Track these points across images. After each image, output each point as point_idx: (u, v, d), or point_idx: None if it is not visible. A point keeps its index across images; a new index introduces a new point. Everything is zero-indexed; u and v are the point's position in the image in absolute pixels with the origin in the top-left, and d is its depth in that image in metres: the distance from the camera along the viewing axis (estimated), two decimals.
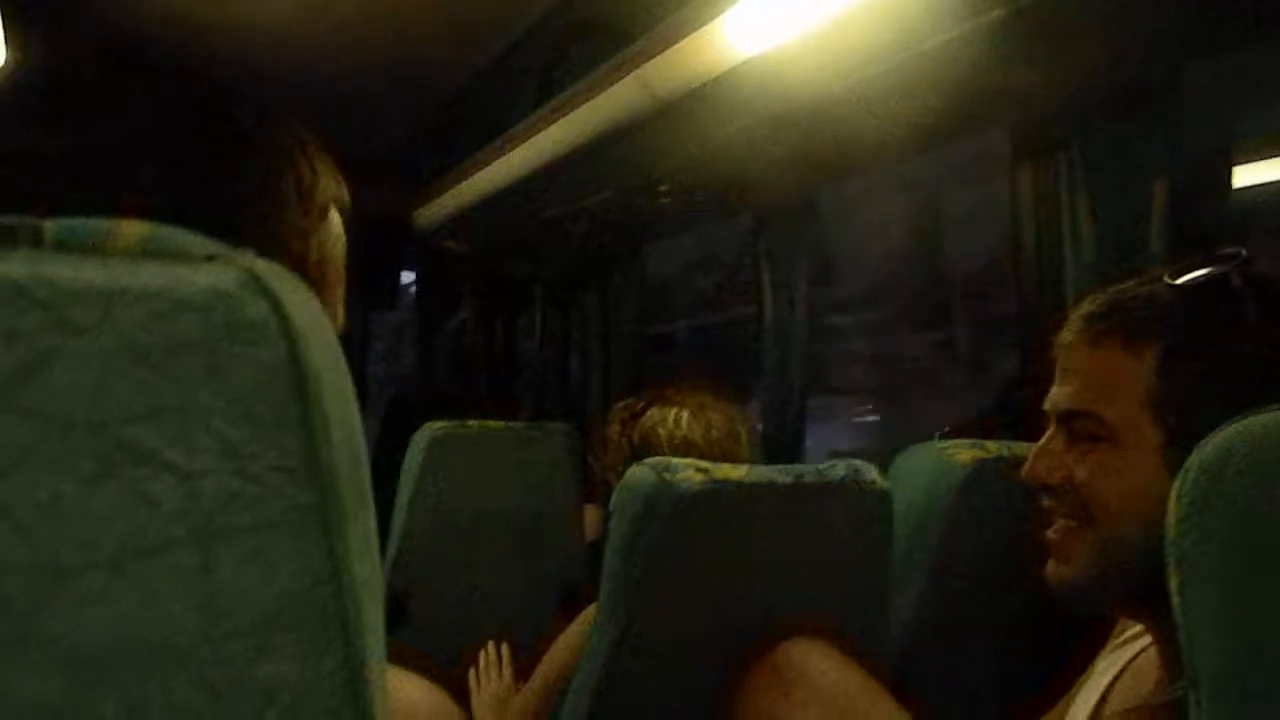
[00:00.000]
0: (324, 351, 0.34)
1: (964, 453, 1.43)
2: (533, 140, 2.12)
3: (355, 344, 3.11)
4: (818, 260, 2.40)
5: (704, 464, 1.20)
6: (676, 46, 1.63)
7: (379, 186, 3.01)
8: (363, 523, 0.36)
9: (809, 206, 2.31)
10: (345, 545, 0.34)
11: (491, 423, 2.01)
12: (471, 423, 1.96)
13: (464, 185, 2.47)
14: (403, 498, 1.91)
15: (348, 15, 2.19)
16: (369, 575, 0.36)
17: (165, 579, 0.32)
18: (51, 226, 0.32)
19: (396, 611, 1.91)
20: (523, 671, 1.68)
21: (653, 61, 1.68)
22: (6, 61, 1.72)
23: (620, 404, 1.64)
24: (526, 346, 3.05)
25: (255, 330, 0.32)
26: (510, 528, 2.01)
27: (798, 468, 1.25)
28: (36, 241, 0.31)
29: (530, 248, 2.70)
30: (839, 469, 1.28)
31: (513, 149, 2.20)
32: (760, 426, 2.11)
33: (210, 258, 0.33)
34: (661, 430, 1.51)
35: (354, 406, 0.37)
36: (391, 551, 1.92)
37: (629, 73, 1.75)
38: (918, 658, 1.42)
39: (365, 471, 0.37)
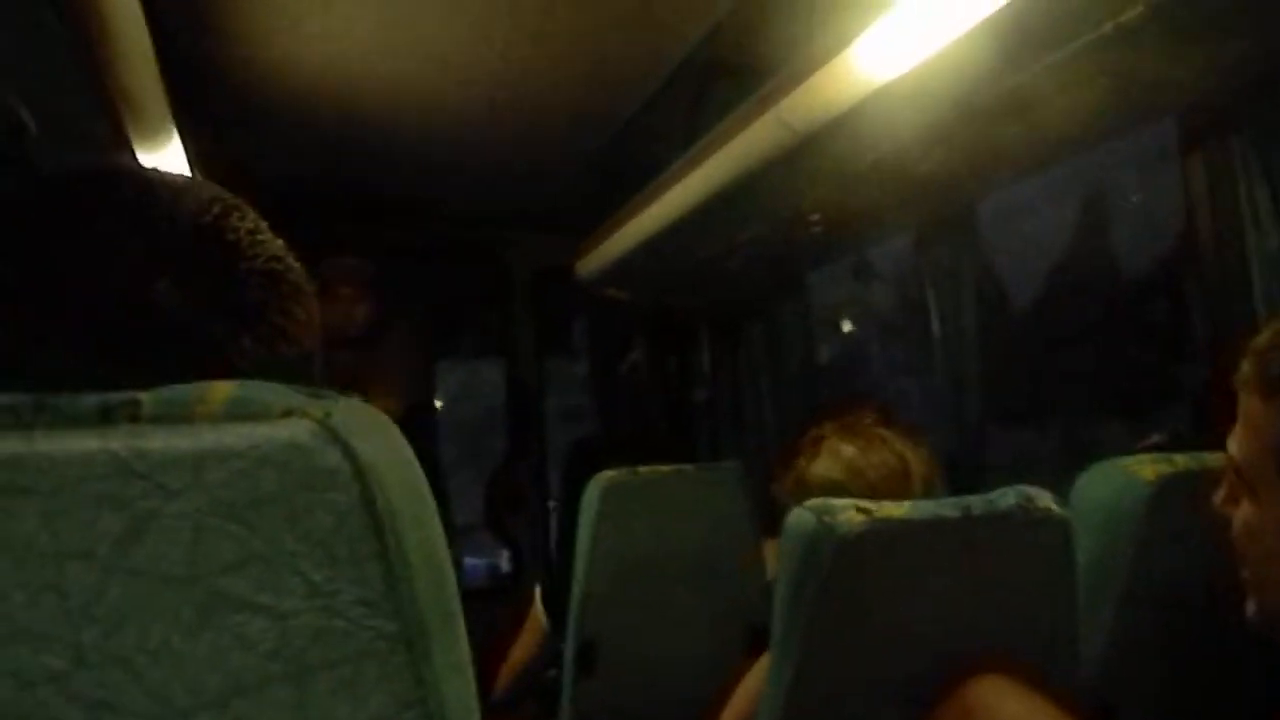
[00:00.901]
0: (398, 485, 0.37)
1: (1149, 467, 1.35)
2: (682, 184, 2.15)
3: (531, 393, 3.20)
4: (986, 274, 2.32)
5: (865, 503, 1.18)
6: (809, 81, 1.62)
7: (543, 240, 3.12)
8: (451, 643, 0.38)
9: (969, 219, 2.25)
10: (432, 668, 0.37)
11: (662, 467, 2.03)
12: (641, 469, 1.99)
13: (622, 233, 2.52)
14: (581, 548, 1.96)
15: (501, 80, 2.27)
16: (460, 692, 0.38)
17: (265, 714, 0.34)
18: (148, 399, 0.35)
19: (584, 659, 1.95)
20: (711, 714, 1.68)
21: (788, 97, 1.68)
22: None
23: (793, 439, 1.63)
24: (699, 385, 3.07)
25: (329, 477, 0.35)
26: (690, 571, 2.03)
27: (965, 500, 1.21)
28: (134, 416, 0.35)
29: (692, 287, 2.73)
30: (1009, 497, 1.23)
31: (664, 194, 2.24)
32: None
33: (287, 413, 0.36)
34: (834, 470, 1.49)
35: (435, 531, 0.39)
36: (575, 602, 1.97)
37: (766, 110, 1.75)
38: (1119, 690, 1.35)
39: (451, 591, 0.39)
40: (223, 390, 0.36)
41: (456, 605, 0.39)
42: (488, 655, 2.41)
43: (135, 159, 1.58)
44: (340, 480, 0.35)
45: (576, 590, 1.97)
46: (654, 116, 2.42)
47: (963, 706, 1.15)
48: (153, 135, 1.57)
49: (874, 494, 1.38)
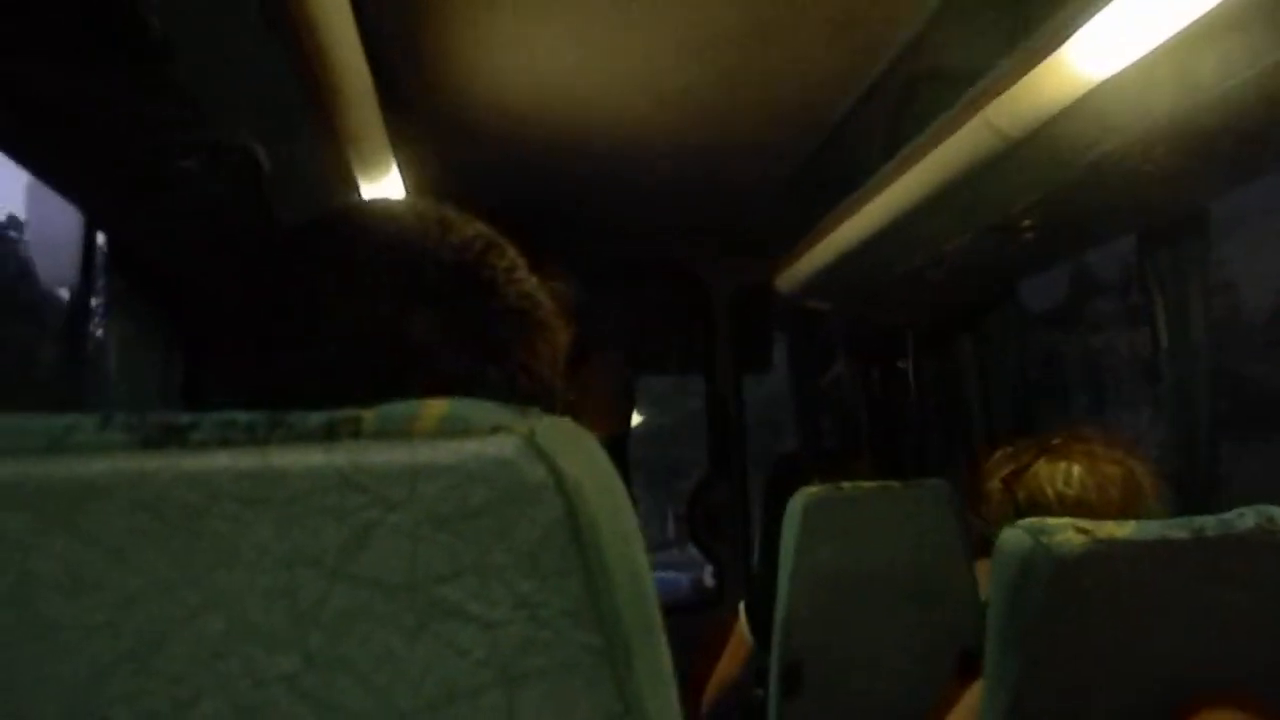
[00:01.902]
0: (600, 499, 0.38)
1: None
2: (885, 194, 2.11)
3: (731, 410, 3.21)
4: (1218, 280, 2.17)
5: (1084, 523, 1.13)
6: (1019, 83, 1.57)
7: (743, 255, 3.12)
8: (653, 657, 0.39)
9: (1201, 221, 2.10)
10: (635, 682, 0.37)
11: (866, 484, 1.99)
12: (845, 485, 1.96)
13: (823, 244, 2.50)
14: (784, 566, 1.94)
15: (702, 98, 2.30)
16: (663, 707, 0.39)
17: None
18: (369, 416, 0.38)
19: (789, 679, 1.94)
20: None
21: (996, 100, 1.62)
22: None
23: (999, 454, 1.57)
24: (903, 399, 3.00)
25: (535, 492, 0.36)
26: (897, 590, 1.98)
27: (1196, 521, 1.14)
28: (355, 433, 0.37)
29: (896, 299, 2.67)
30: (1248, 518, 1.15)
31: (866, 204, 2.20)
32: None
33: (495, 429, 0.37)
34: (1050, 489, 1.43)
35: (636, 545, 0.40)
36: (779, 621, 1.95)
37: (973, 115, 1.70)
38: None
39: (652, 605, 0.40)
40: (437, 407, 0.38)
41: (658, 619, 0.40)
42: (693, 672, 2.43)
43: (358, 192, 1.69)
44: (545, 495, 0.36)
45: (781, 609, 1.96)
46: (856, 126, 2.39)
47: None
48: (374, 168, 1.67)
49: (1103, 514, 1.32)
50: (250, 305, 0.59)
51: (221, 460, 0.36)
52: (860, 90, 2.29)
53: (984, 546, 1.94)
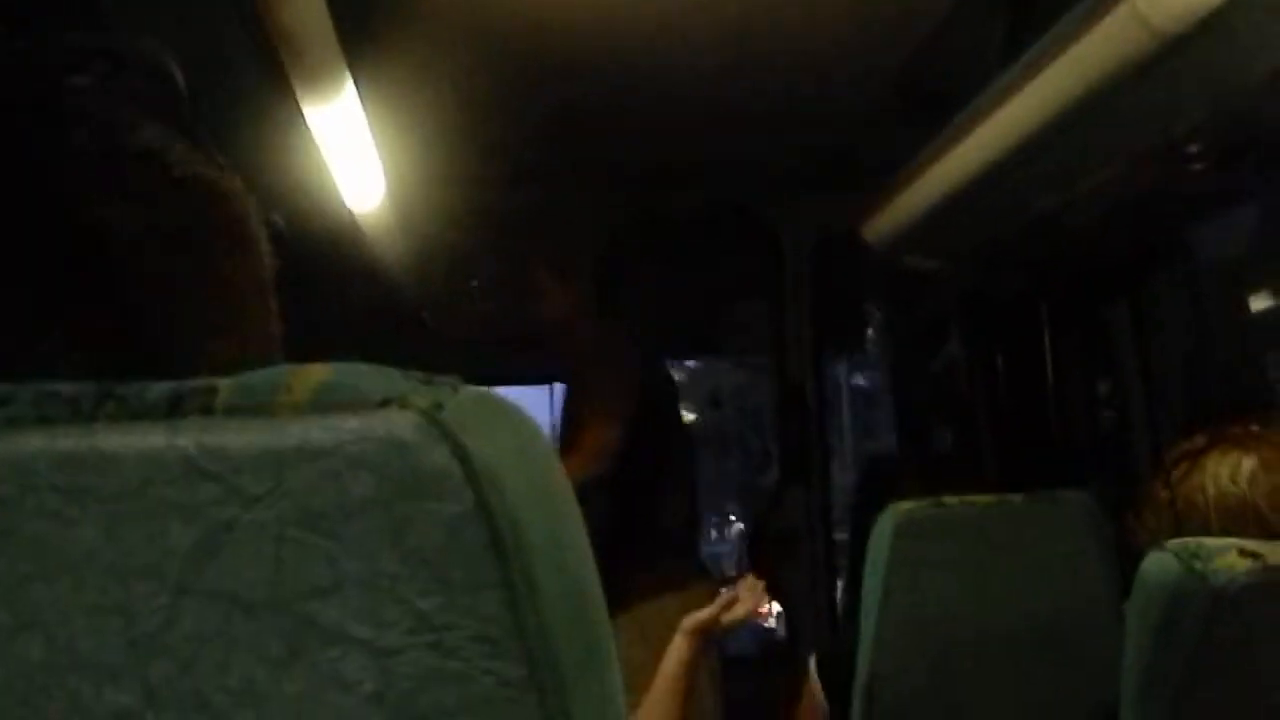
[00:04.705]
0: (528, 494, 0.39)
1: None
2: (1002, 113, 2.10)
3: (808, 402, 3.21)
4: None
5: (1253, 544, 1.12)
6: None
7: (823, 201, 3.11)
8: (594, 691, 0.40)
9: None
10: None
11: (979, 497, 1.98)
12: (950, 499, 1.95)
13: (925, 180, 2.48)
14: (868, 606, 1.94)
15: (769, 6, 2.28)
16: None
17: None
18: (225, 387, 0.39)
19: None
20: None
21: None
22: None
23: (1175, 450, 1.57)
24: (1036, 388, 2.99)
25: (436, 481, 0.37)
26: (1020, 636, 1.97)
27: None
28: (206, 408, 0.38)
29: (1024, 253, 2.65)
30: None
31: (979, 127, 2.19)
32: None
33: (385, 402, 0.38)
34: (1211, 488, 1.43)
35: (578, 555, 0.41)
36: (861, 677, 1.95)
37: (1116, 5, 1.69)
38: None
39: (600, 632, 0.41)
40: (312, 375, 0.39)
41: (607, 647, 0.41)
42: None
43: (301, 114, 1.71)
44: (451, 485, 0.37)
45: (863, 665, 1.95)
46: (963, 26, 2.37)
47: None
48: (322, 86, 1.69)
49: (1275, 525, 1.32)
50: None
51: (36, 442, 0.38)
52: None
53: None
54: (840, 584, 3.07)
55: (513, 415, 0.41)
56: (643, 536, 2.79)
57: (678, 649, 2.16)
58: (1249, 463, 1.43)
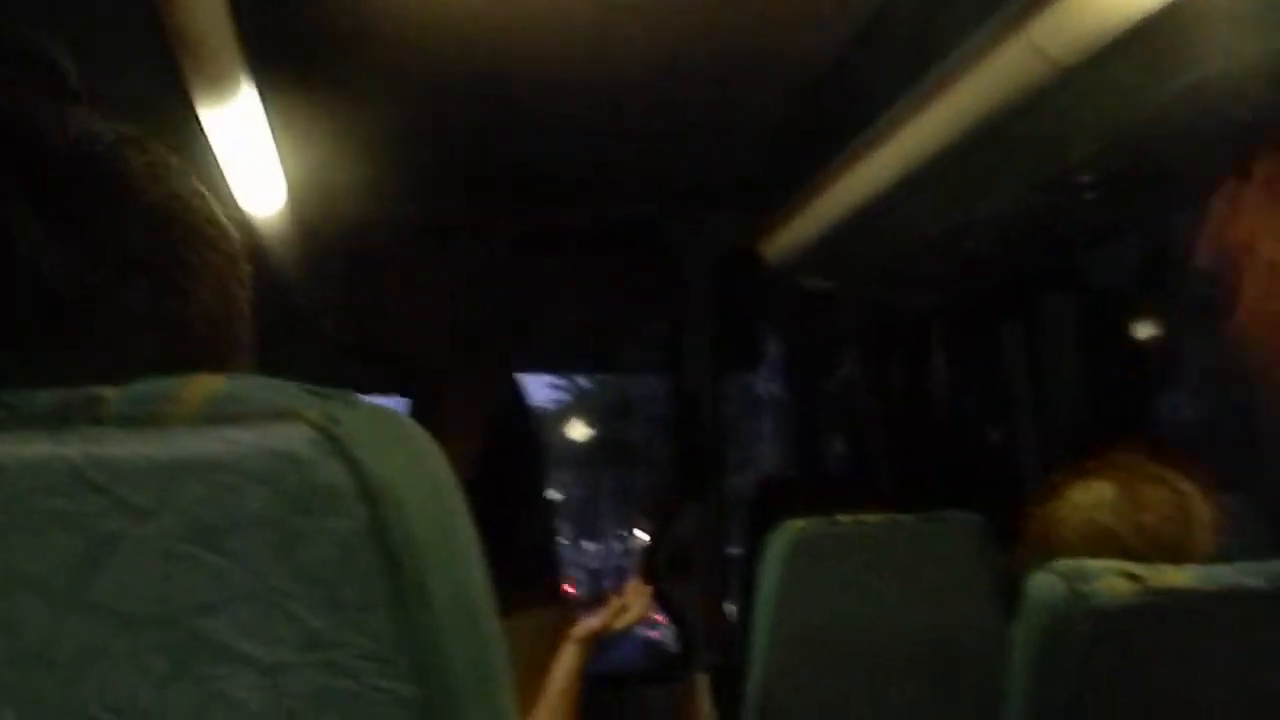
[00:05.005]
0: (423, 512, 0.38)
1: None
2: (903, 135, 2.13)
3: (706, 417, 3.22)
4: None
5: (1134, 567, 1.15)
6: None
7: (721, 217, 3.13)
8: (487, 710, 0.40)
9: None
10: None
11: (870, 517, 2.00)
12: (843, 518, 1.97)
13: (824, 201, 2.51)
14: (760, 624, 1.95)
15: (674, 8, 2.28)
16: None
17: None
18: (113, 397, 0.38)
19: None
20: None
21: (1041, 16, 1.64)
22: None
23: (1054, 477, 1.61)
24: (926, 407, 3.03)
25: (330, 497, 0.37)
26: (909, 654, 1.99)
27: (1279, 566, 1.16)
28: (95, 418, 0.38)
29: (921, 273, 2.69)
30: None
31: (879, 150, 2.22)
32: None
33: (280, 415, 0.38)
34: (1074, 517, 1.47)
35: (473, 574, 0.41)
36: (750, 697, 1.96)
37: (1013, 35, 1.72)
38: None
39: (493, 653, 0.41)
40: (204, 385, 0.38)
41: (497, 666, 0.41)
42: None
43: (195, 114, 1.68)
44: (344, 502, 0.37)
45: (754, 676, 1.96)
46: (867, 51, 2.40)
47: None
48: (217, 83, 1.66)
49: (1136, 551, 1.35)
50: None
51: None
52: (874, 4, 2.30)
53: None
54: (732, 599, 3.09)
55: (408, 430, 0.41)
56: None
57: (567, 658, 2.16)
58: (1109, 490, 1.47)
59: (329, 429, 0.37)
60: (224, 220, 0.67)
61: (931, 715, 2.03)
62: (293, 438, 0.37)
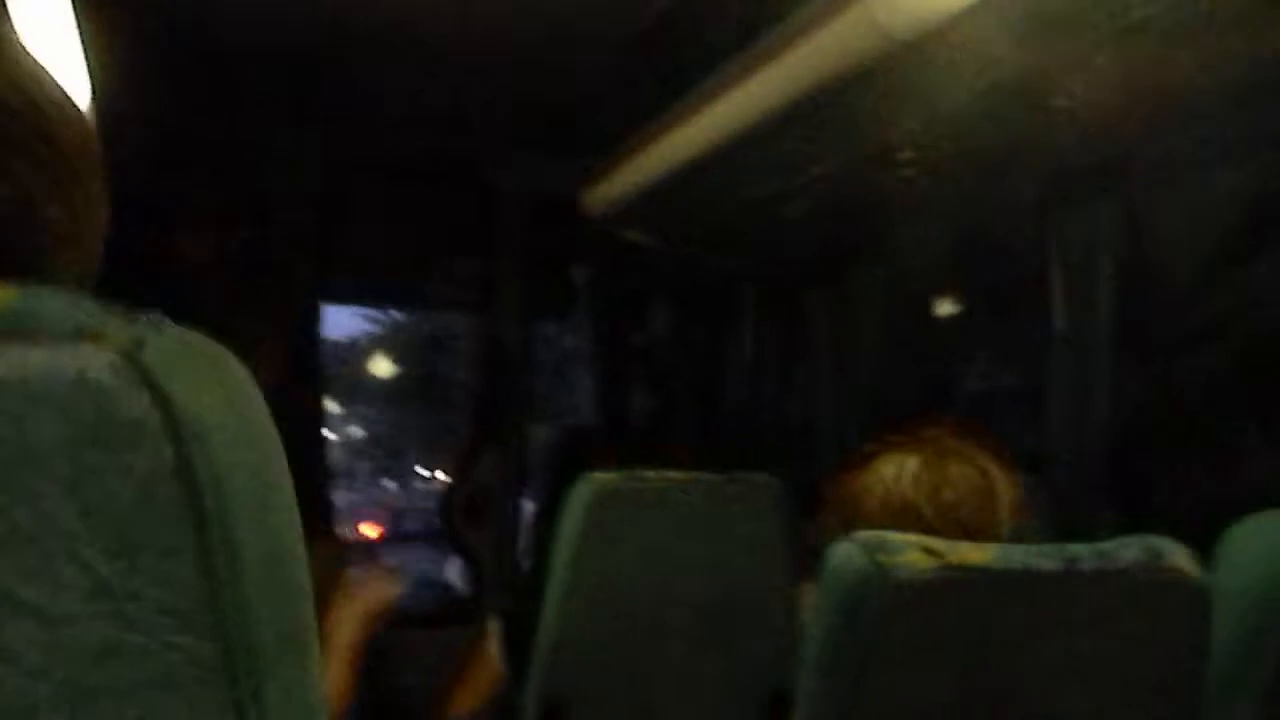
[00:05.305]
0: (234, 452, 0.35)
1: None
2: (733, 95, 2.12)
3: (514, 361, 3.19)
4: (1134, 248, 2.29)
5: (934, 543, 1.16)
6: None
7: (542, 160, 3.09)
8: (295, 679, 0.36)
9: (1116, 174, 2.21)
10: (263, 708, 0.35)
11: (674, 473, 2.00)
12: (648, 473, 1.97)
13: (648, 156, 2.50)
14: (556, 574, 1.94)
15: None
16: None
17: None
18: None
19: None
20: None
21: None
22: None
23: (853, 449, 1.62)
24: (735, 369, 3.06)
25: (131, 431, 0.33)
26: (699, 614, 2.01)
27: (1070, 549, 1.19)
28: None
29: (738, 236, 2.70)
30: (1130, 550, 1.21)
31: (707, 107, 2.21)
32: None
33: (80, 335, 0.34)
34: (879, 488, 1.48)
35: (285, 521, 0.37)
36: (541, 645, 1.95)
37: (852, 5, 1.73)
38: None
39: (302, 610, 0.38)
40: None
41: (305, 625, 0.38)
42: (429, 705, 2.41)
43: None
44: (147, 437, 0.33)
45: (546, 631, 1.95)
46: (703, 6, 2.39)
47: None
48: None
49: (937, 525, 1.37)
50: None
51: None
52: None
53: (810, 567, 1.99)
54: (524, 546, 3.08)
55: (223, 361, 0.37)
56: None
57: (352, 631, 2.09)
58: (913, 464, 1.49)
59: (133, 354, 0.34)
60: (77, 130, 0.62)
61: (715, 671, 2.05)
62: (91, 361, 0.33)
